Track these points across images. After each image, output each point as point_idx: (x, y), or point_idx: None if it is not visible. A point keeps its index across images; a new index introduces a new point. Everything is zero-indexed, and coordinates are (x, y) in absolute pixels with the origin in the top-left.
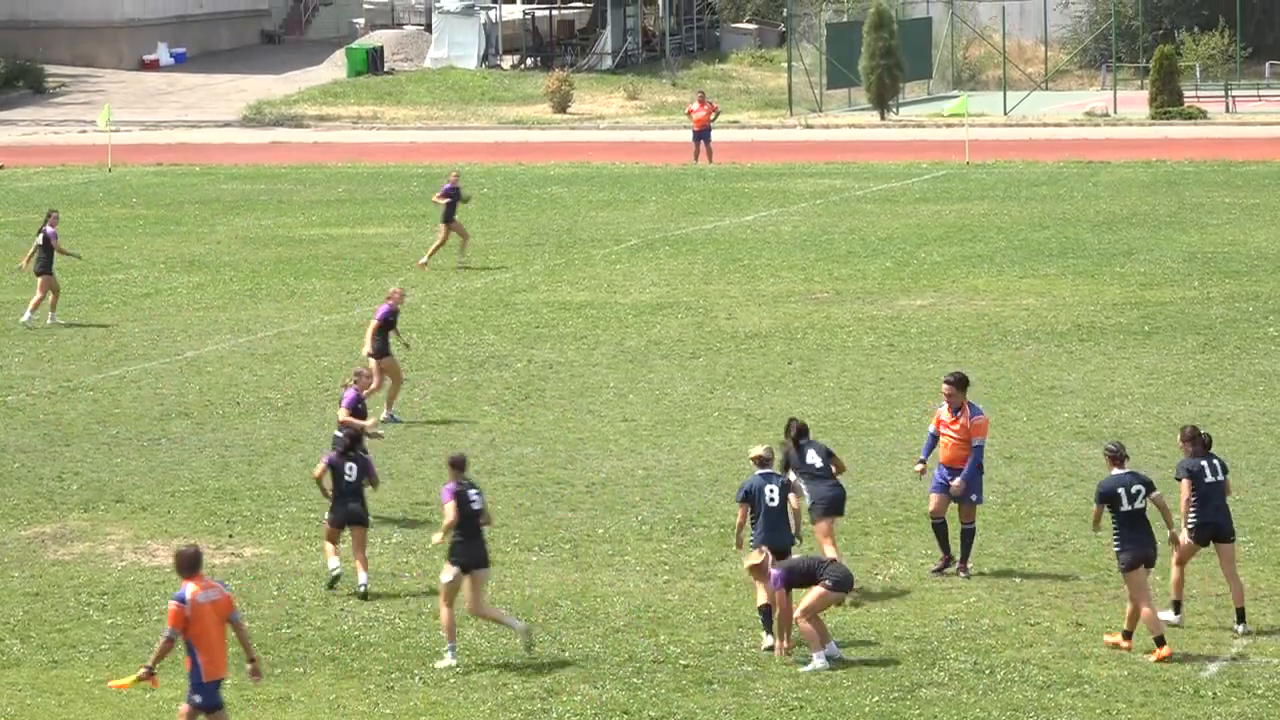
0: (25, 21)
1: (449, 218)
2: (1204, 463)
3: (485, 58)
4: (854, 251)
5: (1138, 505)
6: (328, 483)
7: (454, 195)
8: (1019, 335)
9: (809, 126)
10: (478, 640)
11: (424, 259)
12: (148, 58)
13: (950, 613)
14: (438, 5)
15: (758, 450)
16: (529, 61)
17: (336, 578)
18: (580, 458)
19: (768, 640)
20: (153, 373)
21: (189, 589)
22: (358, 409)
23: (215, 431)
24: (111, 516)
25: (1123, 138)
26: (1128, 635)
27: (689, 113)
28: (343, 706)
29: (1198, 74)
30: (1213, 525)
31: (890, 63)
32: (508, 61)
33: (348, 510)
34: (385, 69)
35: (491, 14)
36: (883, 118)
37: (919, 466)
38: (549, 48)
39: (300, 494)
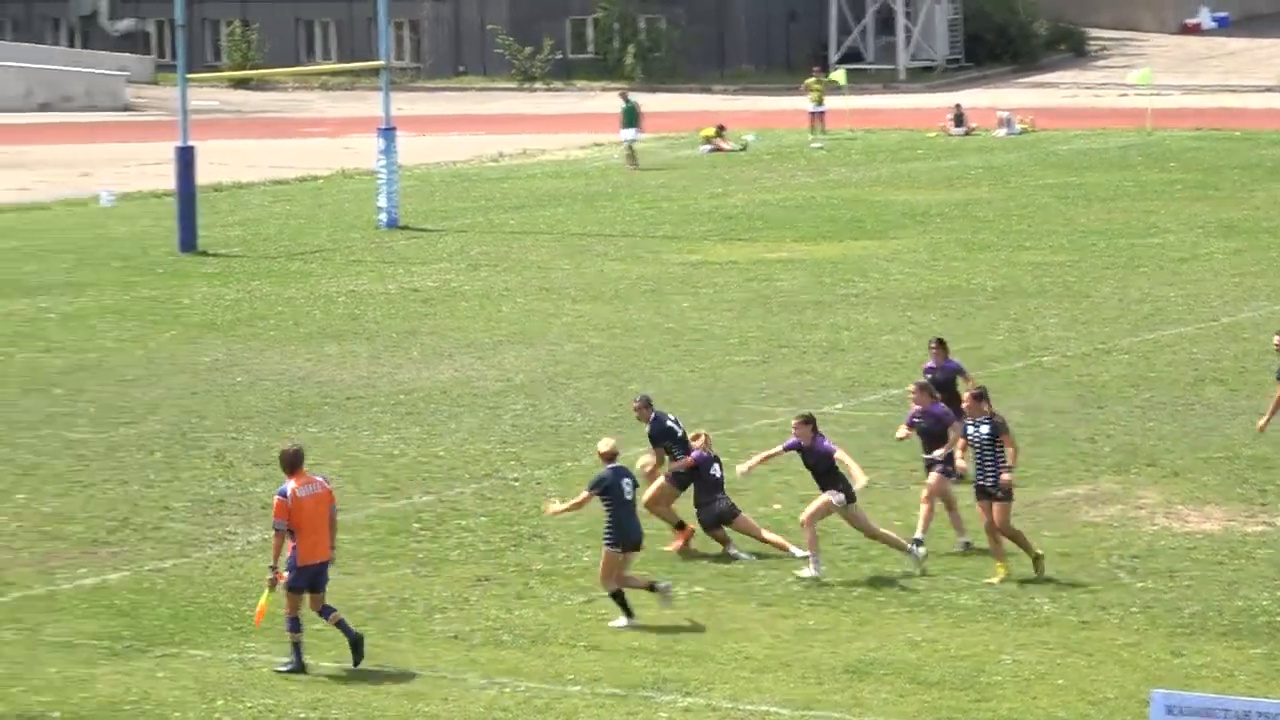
0: None
1: None
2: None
3: None
4: None
5: None
6: None
7: None
8: None
9: None
10: None
11: None
12: (1189, 21)
13: None
14: None
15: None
16: None
17: None
18: None
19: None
20: (1188, 337)
21: (290, 485)
22: None
23: (1250, 398)
24: (1143, 480)
25: None
26: None
27: None
28: None
29: None
30: None
31: None
32: None
33: None
34: None
35: None
36: None
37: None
38: None
39: None
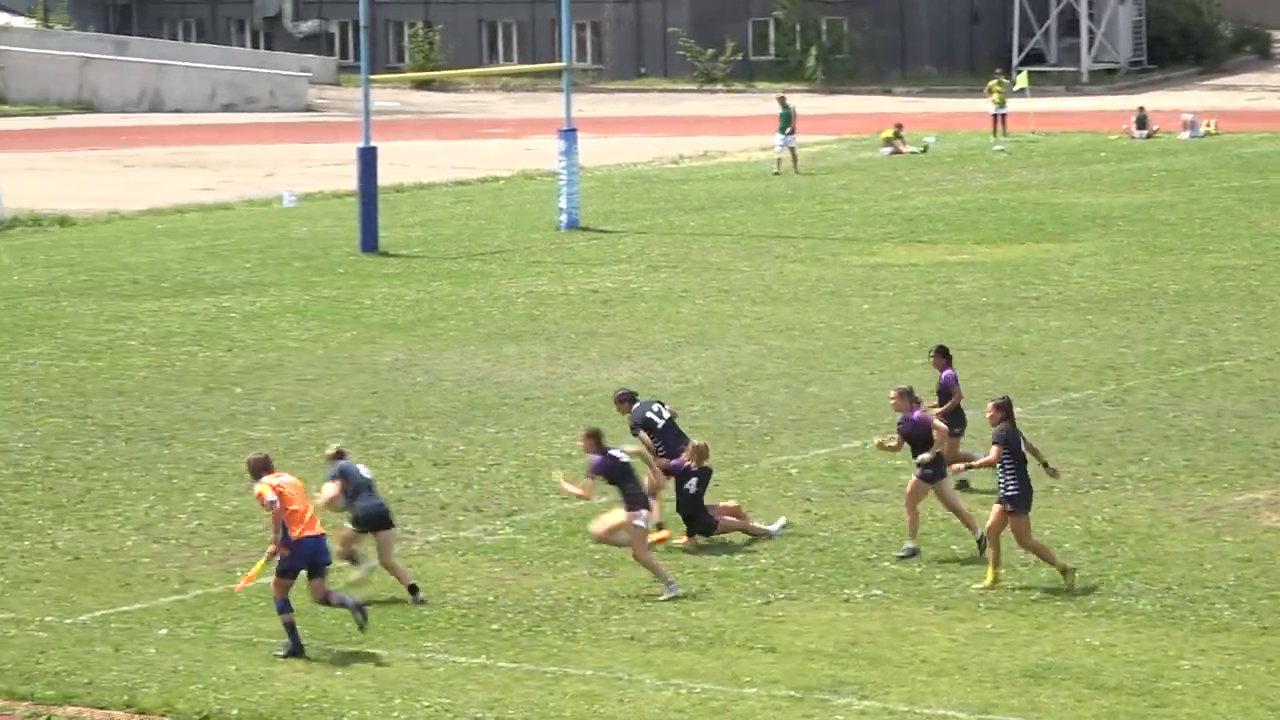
0: None
1: None
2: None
3: None
4: None
5: None
6: None
7: None
8: None
9: None
10: None
11: None
12: None
13: None
14: None
15: None
16: None
17: None
18: None
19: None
20: None
21: (268, 478)
22: None
23: None
24: None
25: None
26: None
27: None
28: None
29: None
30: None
31: None
32: None
33: None
34: None
35: None
36: None
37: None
38: None
39: None
